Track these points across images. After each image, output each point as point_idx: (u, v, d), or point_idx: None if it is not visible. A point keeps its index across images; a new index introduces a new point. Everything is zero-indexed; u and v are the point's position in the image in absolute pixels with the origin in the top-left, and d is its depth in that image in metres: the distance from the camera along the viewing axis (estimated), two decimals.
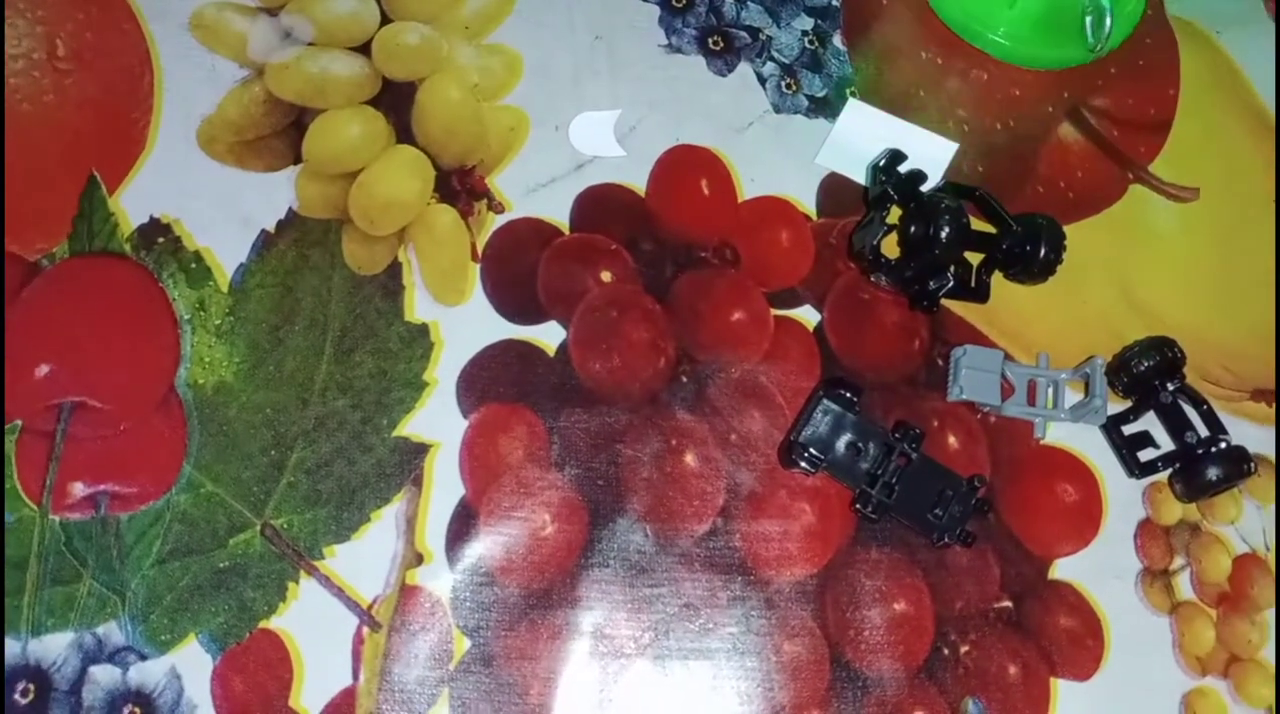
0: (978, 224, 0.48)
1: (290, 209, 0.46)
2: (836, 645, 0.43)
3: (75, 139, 0.46)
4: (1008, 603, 0.44)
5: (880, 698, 0.42)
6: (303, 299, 0.45)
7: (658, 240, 0.48)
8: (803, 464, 0.43)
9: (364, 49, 0.49)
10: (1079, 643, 0.44)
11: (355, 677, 0.41)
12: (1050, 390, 0.47)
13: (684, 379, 0.46)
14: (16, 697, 0.39)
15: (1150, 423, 0.46)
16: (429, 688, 0.41)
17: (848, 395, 0.43)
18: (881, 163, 0.47)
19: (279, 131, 0.47)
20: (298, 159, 0.47)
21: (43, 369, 0.43)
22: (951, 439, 0.46)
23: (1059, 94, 0.53)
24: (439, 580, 0.42)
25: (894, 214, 0.47)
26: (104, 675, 0.40)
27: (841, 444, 0.43)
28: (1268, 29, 0.56)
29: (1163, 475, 0.46)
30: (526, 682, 0.41)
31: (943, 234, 0.45)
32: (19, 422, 0.42)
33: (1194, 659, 0.45)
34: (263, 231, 0.46)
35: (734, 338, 0.47)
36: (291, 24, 0.49)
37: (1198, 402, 0.46)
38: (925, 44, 0.53)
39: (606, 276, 0.47)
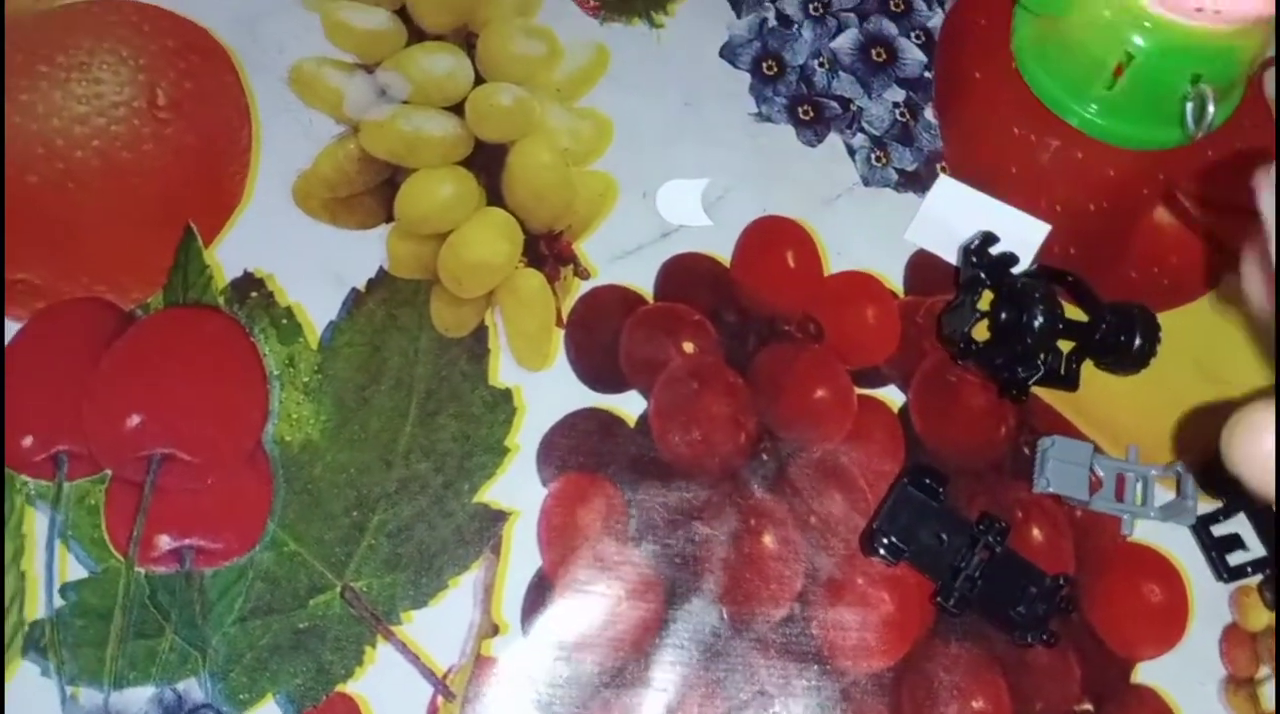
0: (1069, 311, 0.47)
1: (381, 268, 0.47)
2: None
3: (173, 189, 0.47)
4: (1089, 706, 0.43)
5: None
6: (390, 359, 0.45)
7: (741, 311, 0.48)
8: (883, 553, 0.42)
9: (458, 109, 0.49)
10: None
11: None
12: (1139, 486, 0.46)
13: (764, 456, 0.45)
14: None
15: (1240, 525, 0.45)
16: None
17: (932, 484, 0.43)
18: (974, 245, 0.47)
19: (372, 189, 0.48)
20: (390, 217, 0.47)
21: (134, 419, 0.43)
22: (1036, 532, 0.45)
23: (1154, 176, 0.52)
24: (514, 652, 0.42)
25: (985, 298, 0.46)
26: None
27: (924, 534, 0.43)
28: None
29: (1252, 580, 0.45)
30: None
31: (1036, 323, 0.44)
32: (109, 471, 0.43)
33: None
34: (353, 290, 0.46)
35: (816, 416, 0.46)
36: (387, 82, 0.49)
37: None
38: (1017, 119, 0.52)
39: (689, 347, 0.47)
